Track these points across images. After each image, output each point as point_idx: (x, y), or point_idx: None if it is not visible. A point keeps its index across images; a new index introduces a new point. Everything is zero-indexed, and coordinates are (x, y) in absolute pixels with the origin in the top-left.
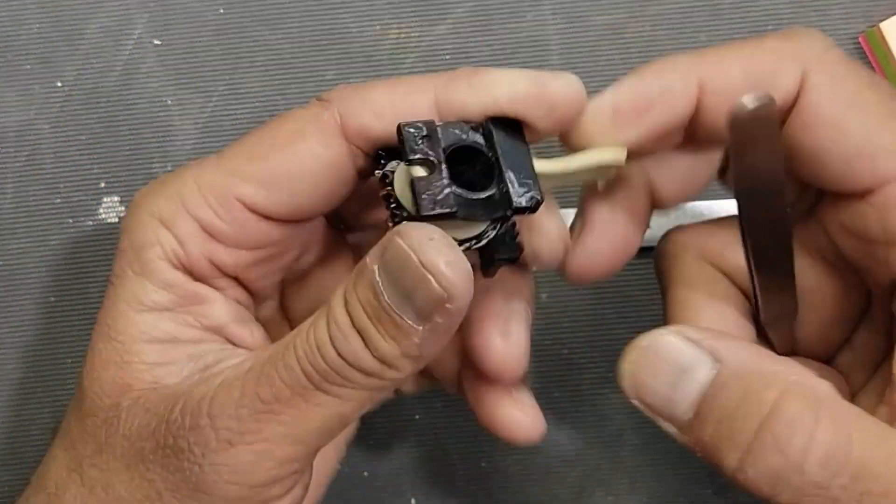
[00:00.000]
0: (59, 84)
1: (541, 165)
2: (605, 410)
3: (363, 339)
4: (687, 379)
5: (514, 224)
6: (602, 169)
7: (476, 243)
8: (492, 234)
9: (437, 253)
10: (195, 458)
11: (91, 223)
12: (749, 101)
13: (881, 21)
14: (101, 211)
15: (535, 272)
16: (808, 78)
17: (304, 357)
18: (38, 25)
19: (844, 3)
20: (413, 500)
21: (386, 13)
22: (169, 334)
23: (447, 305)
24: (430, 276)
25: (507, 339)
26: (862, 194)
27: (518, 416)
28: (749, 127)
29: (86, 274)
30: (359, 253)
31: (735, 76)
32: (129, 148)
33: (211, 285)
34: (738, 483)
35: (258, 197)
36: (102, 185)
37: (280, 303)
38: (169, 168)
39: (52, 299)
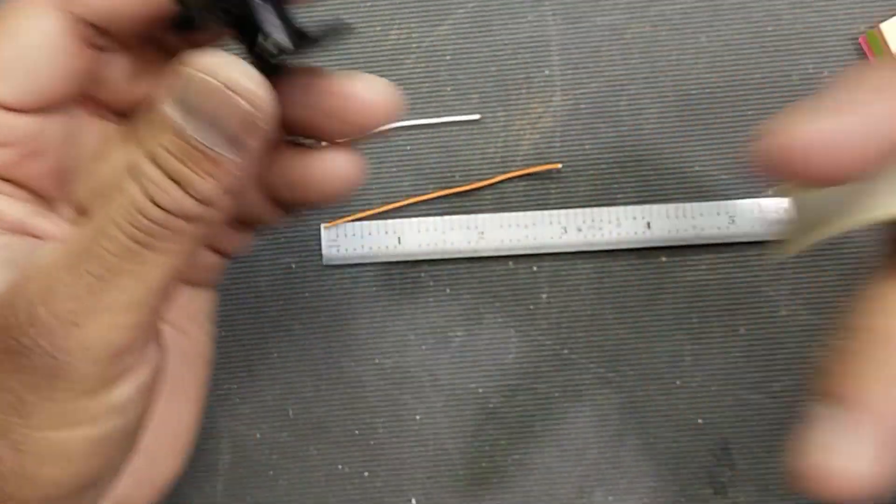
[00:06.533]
0: None
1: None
2: (605, 410)
3: (181, 186)
4: None
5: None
6: None
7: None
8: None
9: (233, 70)
10: (45, 350)
11: None
12: None
13: (881, 21)
14: None
15: (535, 271)
16: None
17: (125, 223)
18: None
19: (845, 4)
20: (413, 501)
21: (387, 14)
22: None
23: (257, 123)
24: (236, 96)
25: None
26: None
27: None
28: None
29: None
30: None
31: None
32: None
33: None
34: None
35: (4, 94)
36: None
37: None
38: None
39: None
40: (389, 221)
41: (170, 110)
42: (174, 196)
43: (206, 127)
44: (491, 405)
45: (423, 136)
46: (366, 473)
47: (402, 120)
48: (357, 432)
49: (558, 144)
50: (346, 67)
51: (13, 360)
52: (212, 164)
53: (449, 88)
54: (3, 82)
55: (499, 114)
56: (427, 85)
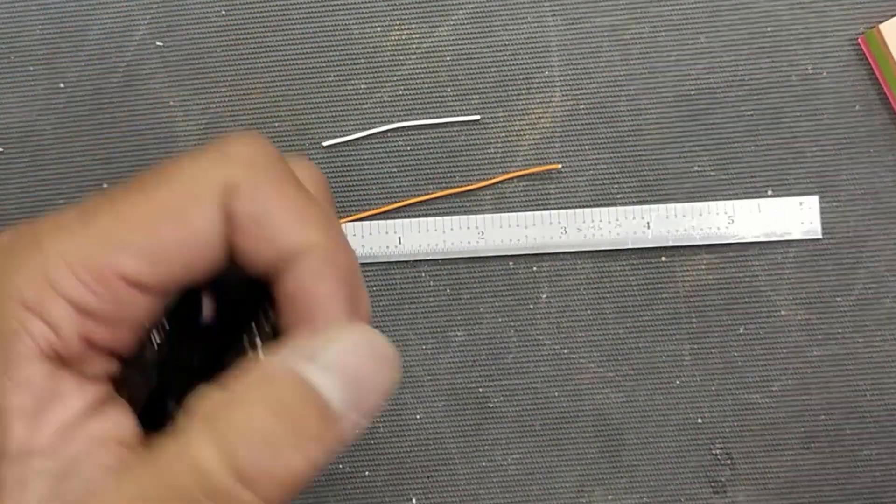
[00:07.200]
0: (62, 85)
1: None
2: (605, 410)
3: (275, 447)
4: None
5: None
6: None
7: None
8: None
9: (385, 342)
10: None
11: None
12: None
13: (880, 22)
14: None
15: (535, 271)
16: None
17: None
18: (41, 27)
19: (843, 5)
20: (413, 500)
21: (387, 15)
22: (24, 446)
23: (384, 398)
24: (387, 369)
25: None
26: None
27: None
28: None
29: None
30: None
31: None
32: (131, 149)
33: (82, 366)
34: None
35: (143, 271)
36: (105, 185)
37: None
38: None
39: None
40: (389, 221)
41: (301, 364)
42: (266, 457)
43: (342, 388)
44: (491, 404)
45: (423, 136)
46: (366, 473)
47: (403, 120)
48: (357, 431)
49: (558, 145)
50: (348, 68)
51: None
52: (327, 426)
53: (449, 89)
54: (156, 266)
55: (499, 114)
56: (427, 86)
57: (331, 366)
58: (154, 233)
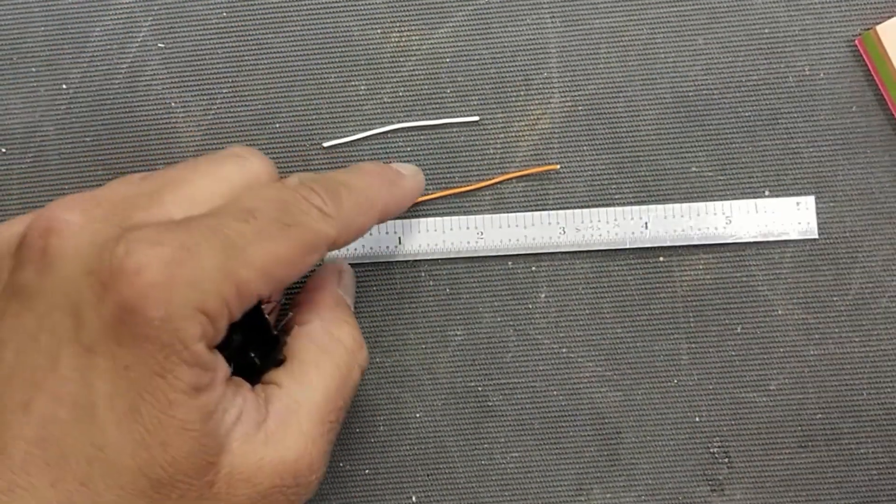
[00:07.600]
0: (65, 87)
1: None
2: (603, 409)
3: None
4: None
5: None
6: None
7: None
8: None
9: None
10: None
11: None
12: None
13: (877, 24)
14: None
15: (534, 271)
16: None
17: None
18: (43, 28)
19: (841, 6)
20: (413, 498)
21: (387, 17)
22: (215, 405)
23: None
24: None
25: None
26: None
27: None
28: None
29: None
30: None
31: None
32: (133, 150)
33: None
34: None
35: (272, 292)
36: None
37: None
38: None
39: None
40: (389, 221)
41: (342, 293)
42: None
43: (350, 297)
44: (490, 403)
45: (423, 137)
46: (367, 471)
47: (403, 121)
48: (358, 430)
49: (556, 145)
50: (349, 70)
51: None
52: (349, 307)
53: (448, 90)
54: (279, 288)
55: (498, 115)
56: (427, 87)
57: (345, 289)
58: (290, 273)
